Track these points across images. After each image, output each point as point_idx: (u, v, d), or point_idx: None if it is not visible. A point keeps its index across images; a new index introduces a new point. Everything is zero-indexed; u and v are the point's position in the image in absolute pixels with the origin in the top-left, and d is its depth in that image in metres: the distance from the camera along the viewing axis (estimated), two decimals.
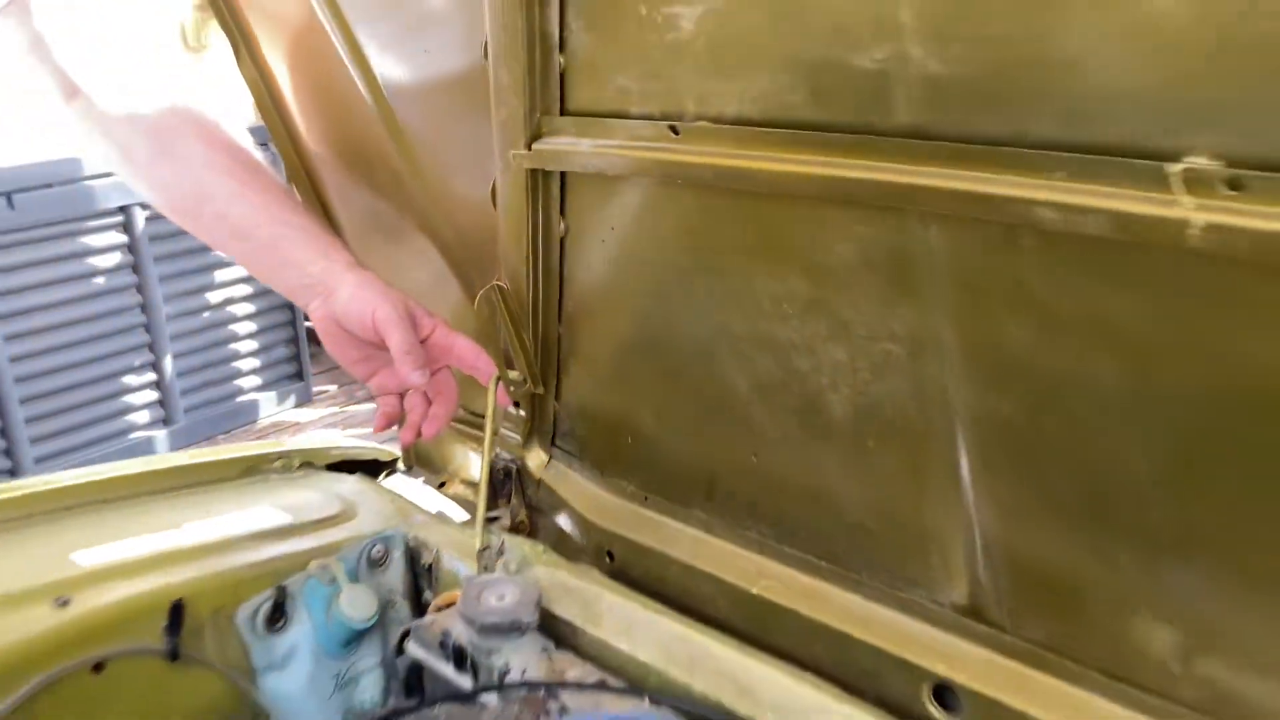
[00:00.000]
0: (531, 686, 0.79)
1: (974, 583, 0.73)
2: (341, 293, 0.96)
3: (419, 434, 1.02)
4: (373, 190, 1.17)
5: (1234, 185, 0.50)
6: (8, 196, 2.76)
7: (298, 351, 3.74)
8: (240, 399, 3.62)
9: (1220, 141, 0.51)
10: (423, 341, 0.97)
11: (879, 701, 0.76)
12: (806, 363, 0.77)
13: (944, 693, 0.76)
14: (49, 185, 2.83)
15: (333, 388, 4.14)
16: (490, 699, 0.81)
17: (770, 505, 0.87)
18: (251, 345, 3.60)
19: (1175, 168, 0.52)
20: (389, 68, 1.03)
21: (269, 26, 1.12)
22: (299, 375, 3.79)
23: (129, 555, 0.92)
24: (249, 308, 3.54)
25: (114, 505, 1.01)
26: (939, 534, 0.74)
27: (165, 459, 1.08)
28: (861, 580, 0.81)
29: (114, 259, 3.09)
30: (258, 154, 1.02)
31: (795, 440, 0.82)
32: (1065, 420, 0.64)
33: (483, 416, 1.00)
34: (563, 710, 0.77)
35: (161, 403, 3.34)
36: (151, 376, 3.28)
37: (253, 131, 1.06)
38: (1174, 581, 0.63)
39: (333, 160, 1.18)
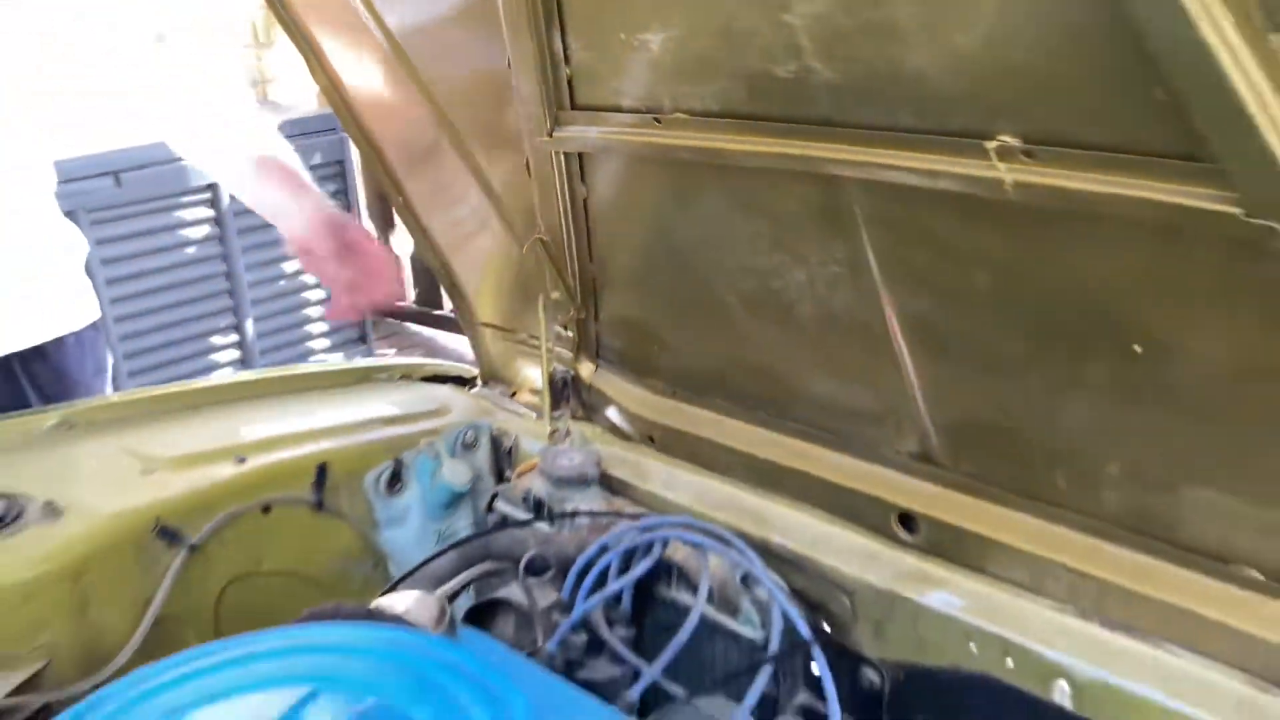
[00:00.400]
0: (594, 515, 1.05)
1: (922, 435, 0.96)
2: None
3: (343, 311, 1.36)
4: (431, 163, 1.38)
5: (1028, 155, 0.72)
6: (116, 175, 3.07)
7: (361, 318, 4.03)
8: (310, 360, 3.92)
9: (1016, 125, 0.73)
10: (346, 244, 1.28)
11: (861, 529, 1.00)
12: (779, 283, 0.99)
13: (907, 519, 0.98)
14: (149, 166, 3.13)
15: (391, 351, 4.44)
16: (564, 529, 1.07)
17: (767, 390, 1.10)
18: (320, 311, 3.88)
19: (991, 144, 0.74)
20: (433, 69, 1.24)
21: (331, 40, 1.32)
22: (362, 339, 4.07)
23: (284, 430, 1.20)
24: None
25: (264, 398, 1.29)
26: (892, 401, 0.97)
27: (299, 368, 1.35)
28: (839, 441, 1.04)
29: (203, 231, 3.39)
30: (289, 154, 1.37)
31: (778, 341, 1.05)
32: (961, 314, 0.87)
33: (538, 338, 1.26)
34: None
35: (243, 360, 3.65)
36: (235, 337, 3.58)
37: (319, 119, 1.33)
38: (1059, 421, 0.86)
39: (396, 143, 1.39)
